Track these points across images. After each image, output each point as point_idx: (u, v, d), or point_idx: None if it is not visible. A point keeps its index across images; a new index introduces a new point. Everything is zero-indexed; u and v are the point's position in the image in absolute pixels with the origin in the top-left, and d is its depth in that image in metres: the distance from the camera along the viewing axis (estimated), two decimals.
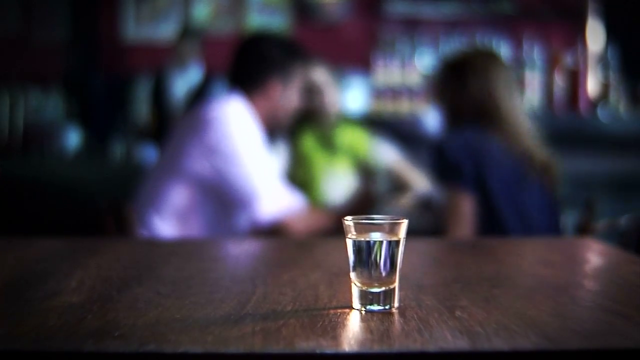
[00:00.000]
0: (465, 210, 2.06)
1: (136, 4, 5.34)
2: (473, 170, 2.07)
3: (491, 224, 2.08)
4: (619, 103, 4.04)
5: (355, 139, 2.88)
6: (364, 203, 2.44)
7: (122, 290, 1.02)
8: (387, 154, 2.90)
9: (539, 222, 2.13)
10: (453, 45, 4.73)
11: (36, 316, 0.88)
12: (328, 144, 2.85)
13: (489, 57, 2.27)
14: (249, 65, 2.37)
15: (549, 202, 2.19)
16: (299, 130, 2.85)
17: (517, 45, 4.47)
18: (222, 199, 2.23)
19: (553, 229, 2.16)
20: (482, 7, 5.13)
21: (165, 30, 5.24)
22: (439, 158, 2.13)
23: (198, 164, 2.19)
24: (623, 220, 2.12)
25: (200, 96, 4.33)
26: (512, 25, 4.93)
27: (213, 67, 4.32)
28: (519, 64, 4.17)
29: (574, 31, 4.63)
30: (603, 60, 4.15)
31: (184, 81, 4.68)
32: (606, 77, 4.07)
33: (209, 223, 2.25)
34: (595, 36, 4.36)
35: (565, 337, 0.80)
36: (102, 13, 5.41)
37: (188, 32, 4.80)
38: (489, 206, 2.09)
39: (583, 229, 2.13)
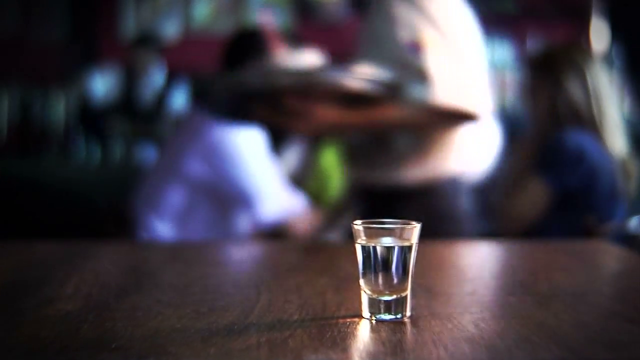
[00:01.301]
0: (540, 202, 2.05)
1: (136, 2, 5.30)
2: (578, 177, 2.04)
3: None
4: (623, 102, 4.00)
5: None
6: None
7: (120, 298, 0.97)
8: None
9: None
10: None
11: (29, 326, 0.83)
12: None
13: (587, 55, 2.19)
14: (243, 63, 2.33)
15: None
16: (323, 142, 2.79)
17: (521, 44, 4.42)
18: (223, 200, 2.19)
19: None
20: (484, 6, 5.09)
21: (166, 29, 5.20)
22: (552, 151, 2.06)
23: (198, 166, 2.15)
24: (631, 223, 2.08)
25: (163, 101, 4.44)
26: (515, 24, 4.89)
27: (213, 67, 4.28)
28: (523, 63, 4.13)
29: (577, 30, 4.58)
30: (607, 59, 4.11)
31: (148, 87, 4.71)
32: (610, 77, 4.02)
33: (209, 224, 2.21)
34: (599, 35, 4.31)
35: (590, 349, 0.76)
36: (101, 12, 5.37)
37: (142, 40, 4.82)
38: (590, 211, 2.06)
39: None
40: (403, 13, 1.69)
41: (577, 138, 2.07)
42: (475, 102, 1.71)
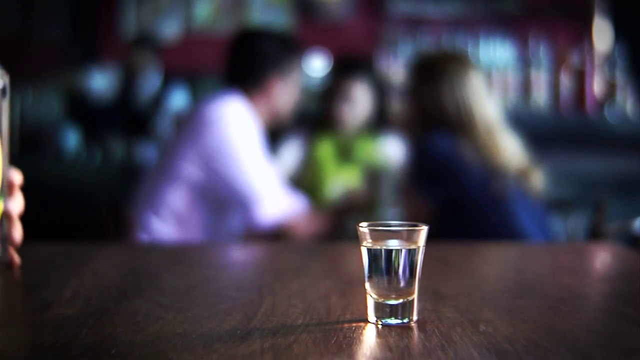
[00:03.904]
0: (423, 215, 2.05)
1: (137, 2, 5.27)
2: (447, 180, 2.06)
3: (483, 235, 2.01)
4: (626, 103, 3.97)
5: (373, 152, 2.82)
6: (356, 202, 2.41)
7: (120, 302, 0.95)
8: (397, 155, 2.85)
9: (533, 232, 2.07)
10: (457, 44, 4.66)
11: (26, 331, 0.81)
12: (345, 155, 2.81)
13: (463, 63, 2.20)
14: (247, 63, 2.31)
15: (538, 210, 2.13)
16: (318, 135, 2.81)
17: (523, 44, 4.39)
18: (222, 202, 2.17)
19: (546, 236, 2.11)
20: (486, 6, 5.07)
21: (167, 29, 5.18)
22: (419, 161, 2.12)
23: (196, 167, 2.13)
24: (635, 223, 2.06)
25: (160, 101, 4.46)
26: (517, 24, 4.86)
27: (214, 67, 4.28)
28: (525, 64, 4.10)
29: (580, 30, 4.55)
30: (610, 59, 4.08)
31: (145, 88, 4.71)
32: (613, 77, 4.00)
33: (208, 225, 2.19)
34: (602, 35, 4.29)
35: (604, 356, 0.73)
36: (102, 12, 5.35)
37: (141, 41, 4.81)
38: (473, 216, 2.05)
39: (594, 232, 2.07)
40: None
41: (438, 149, 2.08)
42: None
